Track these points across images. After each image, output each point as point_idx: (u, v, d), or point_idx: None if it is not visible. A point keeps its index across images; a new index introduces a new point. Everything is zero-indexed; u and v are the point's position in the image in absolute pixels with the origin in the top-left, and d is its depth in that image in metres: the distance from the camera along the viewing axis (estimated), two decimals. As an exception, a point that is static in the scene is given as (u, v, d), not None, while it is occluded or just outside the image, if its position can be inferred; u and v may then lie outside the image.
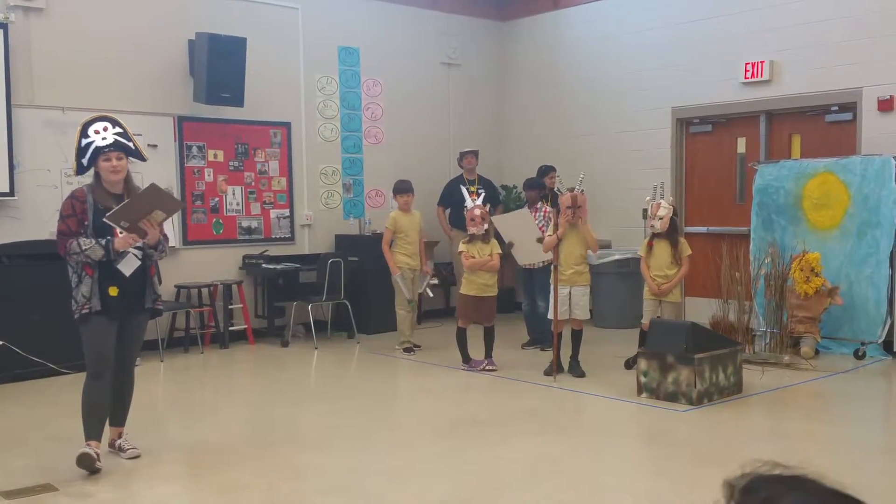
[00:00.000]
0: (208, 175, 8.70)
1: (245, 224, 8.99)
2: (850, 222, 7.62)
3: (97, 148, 4.53)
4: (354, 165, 9.86)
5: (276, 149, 9.19)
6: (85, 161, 4.57)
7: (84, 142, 4.56)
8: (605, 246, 9.42)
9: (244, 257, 8.88)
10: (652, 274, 6.93)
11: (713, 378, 5.93)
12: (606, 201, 9.57)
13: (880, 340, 7.40)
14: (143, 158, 4.79)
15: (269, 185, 9.15)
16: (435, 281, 8.21)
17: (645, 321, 6.88)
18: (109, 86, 7.92)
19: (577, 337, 6.96)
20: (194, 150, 8.59)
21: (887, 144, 7.65)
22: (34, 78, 7.57)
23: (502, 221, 7.53)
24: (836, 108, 8.22)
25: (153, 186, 4.56)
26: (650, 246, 6.99)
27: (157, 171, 8.15)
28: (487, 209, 7.28)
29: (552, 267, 6.85)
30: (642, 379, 6.08)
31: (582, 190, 6.87)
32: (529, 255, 7.39)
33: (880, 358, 7.35)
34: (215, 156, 8.74)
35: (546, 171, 8.65)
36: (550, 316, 6.95)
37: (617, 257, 9.21)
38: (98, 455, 4.52)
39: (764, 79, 8.55)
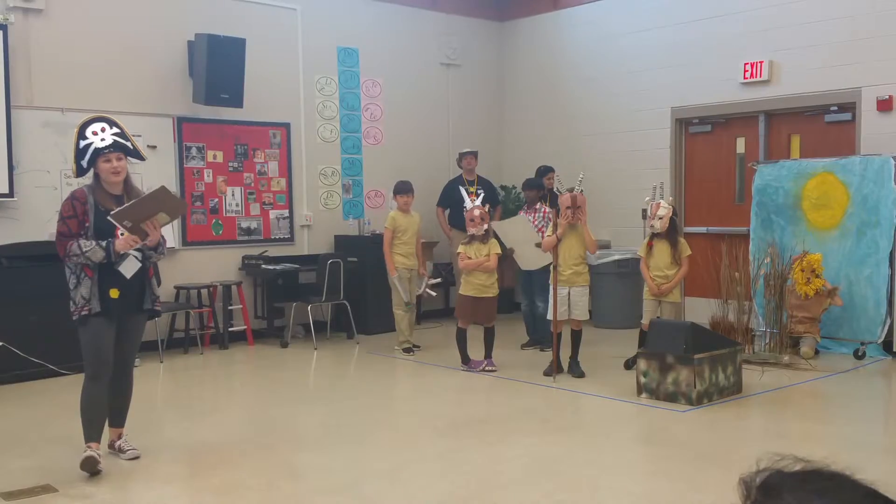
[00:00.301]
0: (208, 176, 8.70)
1: (244, 225, 8.99)
2: (849, 222, 7.62)
3: (96, 149, 4.51)
4: (354, 166, 9.86)
5: (275, 149, 9.19)
6: (84, 163, 4.55)
7: (82, 143, 4.54)
8: (605, 246, 9.42)
9: (244, 258, 8.88)
10: (652, 274, 6.94)
11: (713, 378, 5.93)
12: (606, 201, 9.58)
13: (880, 340, 7.40)
14: (141, 158, 4.78)
15: (268, 185, 9.15)
16: (437, 280, 8.20)
17: (645, 321, 6.88)
18: (109, 87, 7.91)
19: (576, 337, 6.96)
20: (194, 150, 8.59)
21: (886, 144, 7.65)
22: (33, 79, 7.57)
23: (501, 228, 7.53)
24: (835, 108, 8.22)
25: (163, 189, 4.56)
26: (650, 246, 6.99)
27: (157, 171, 8.16)
28: (487, 210, 7.28)
29: (551, 267, 6.85)
30: (642, 379, 6.08)
31: (581, 190, 6.87)
32: (531, 260, 7.39)
33: (880, 358, 7.35)
34: (214, 157, 8.74)
35: (544, 171, 8.65)
36: (550, 316, 6.95)
37: (616, 257, 9.21)
38: (99, 457, 4.52)
39: (763, 79, 8.55)
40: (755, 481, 1.01)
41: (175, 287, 8.25)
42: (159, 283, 7.78)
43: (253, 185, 9.03)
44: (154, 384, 7.06)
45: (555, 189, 7.36)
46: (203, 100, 8.23)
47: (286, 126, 9.26)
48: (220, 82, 8.20)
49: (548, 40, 10.58)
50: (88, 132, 4.55)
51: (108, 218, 4.40)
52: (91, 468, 4.44)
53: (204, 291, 8.45)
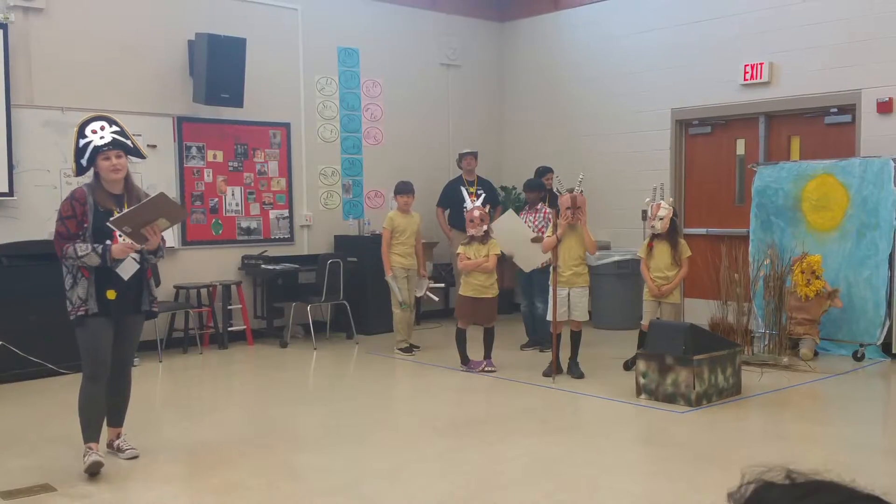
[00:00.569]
0: (207, 175, 8.70)
1: (244, 224, 8.99)
2: (849, 224, 7.63)
3: (95, 147, 4.48)
4: (354, 166, 9.86)
5: (275, 149, 9.19)
6: (84, 161, 4.51)
7: (82, 142, 4.50)
8: (605, 247, 9.42)
9: (243, 258, 8.88)
10: (652, 275, 6.94)
11: (712, 379, 5.93)
12: (606, 202, 9.58)
13: (879, 342, 7.41)
14: (141, 156, 4.75)
15: (268, 185, 9.15)
16: (440, 285, 8.19)
17: (645, 322, 6.88)
18: (109, 86, 7.91)
19: (575, 338, 6.96)
20: (194, 150, 8.59)
21: (886, 146, 7.66)
22: (33, 78, 7.57)
23: (495, 235, 7.52)
24: (835, 109, 8.22)
25: (162, 196, 4.50)
26: (650, 247, 7.00)
27: (157, 171, 8.17)
28: (487, 210, 7.28)
29: (551, 268, 6.85)
30: (641, 380, 6.08)
31: (581, 191, 6.87)
32: (529, 259, 7.40)
33: (879, 360, 7.35)
34: (214, 156, 8.74)
35: (543, 172, 8.66)
36: (549, 317, 6.95)
37: (616, 258, 9.21)
38: (101, 458, 4.50)
39: (763, 80, 8.56)
40: (743, 497, 0.95)
41: (174, 287, 8.25)
42: (158, 284, 7.85)
43: (253, 184, 9.03)
44: (153, 384, 7.06)
45: (555, 189, 7.36)
46: (203, 99, 8.24)
47: (286, 126, 9.26)
48: (220, 82, 8.20)
49: (548, 41, 10.58)
50: (88, 131, 4.51)
51: (108, 224, 4.37)
52: (96, 471, 4.42)
53: (203, 291, 8.45)
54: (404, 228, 8.07)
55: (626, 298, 9.12)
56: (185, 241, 8.54)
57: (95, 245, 4.39)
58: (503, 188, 10.44)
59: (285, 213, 9.28)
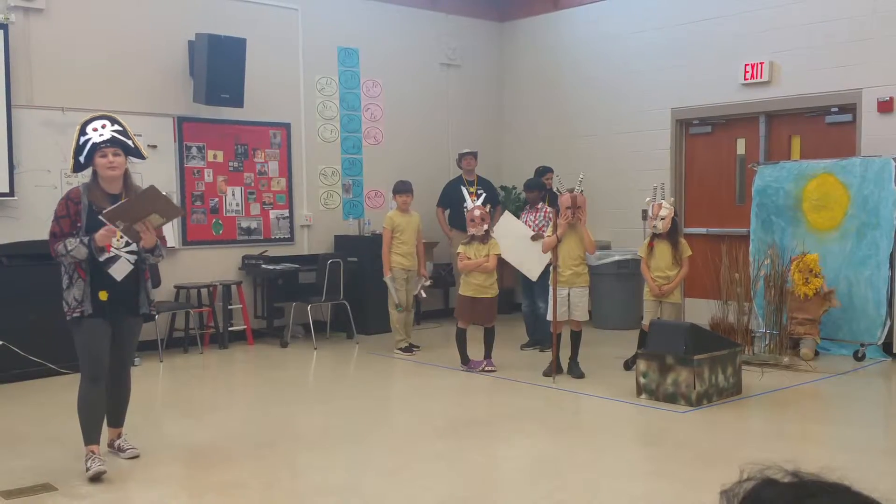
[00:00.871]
0: (208, 175, 8.70)
1: (244, 224, 8.99)
2: (849, 224, 7.62)
3: (94, 144, 4.44)
4: (354, 166, 9.86)
5: (275, 149, 9.19)
6: (82, 158, 4.48)
7: (82, 139, 4.48)
8: (605, 247, 9.42)
9: (244, 258, 8.88)
10: (653, 275, 6.93)
11: (712, 379, 5.92)
12: (606, 202, 9.58)
13: (880, 342, 7.40)
14: (142, 157, 4.69)
15: (268, 185, 9.15)
16: (428, 283, 8.19)
17: (645, 322, 6.88)
18: (109, 86, 7.91)
19: (576, 338, 6.96)
20: (194, 150, 8.59)
21: (887, 146, 7.65)
22: (34, 78, 7.57)
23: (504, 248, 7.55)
24: (835, 109, 8.22)
25: (152, 188, 4.46)
26: (651, 247, 6.99)
27: (157, 171, 8.16)
28: (487, 210, 7.28)
29: (551, 268, 6.85)
30: (641, 380, 6.08)
31: (581, 190, 6.87)
32: (533, 263, 7.39)
33: (880, 359, 7.34)
34: (215, 156, 8.74)
35: (543, 171, 8.66)
36: (550, 317, 6.95)
37: (616, 258, 9.21)
38: (103, 461, 4.48)
39: (763, 80, 8.55)
40: (739, 495, 0.92)
41: (175, 286, 8.25)
42: (158, 284, 7.86)
43: (253, 184, 9.03)
44: (154, 383, 7.06)
45: (555, 189, 7.36)
46: (203, 99, 8.24)
47: (286, 126, 9.26)
48: (220, 82, 8.20)
49: (548, 41, 10.58)
50: (89, 129, 4.49)
51: (100, 217, 4.31)
52: (98, 479, 4.39)
53: (204, 291, 8.45)
54: (404, 228, 8.07)
55: (626, 298, 9.12)
56: (186, 241, 8.54)
57: (83, 237, 4.35)
58: (503, 188, 10.44)
59: (285, 213, 9.28)
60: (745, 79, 8.68)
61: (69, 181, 7.27)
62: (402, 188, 8.18)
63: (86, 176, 4.67)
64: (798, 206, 7.93)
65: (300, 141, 9.38)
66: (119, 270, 4.46)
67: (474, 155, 9.58)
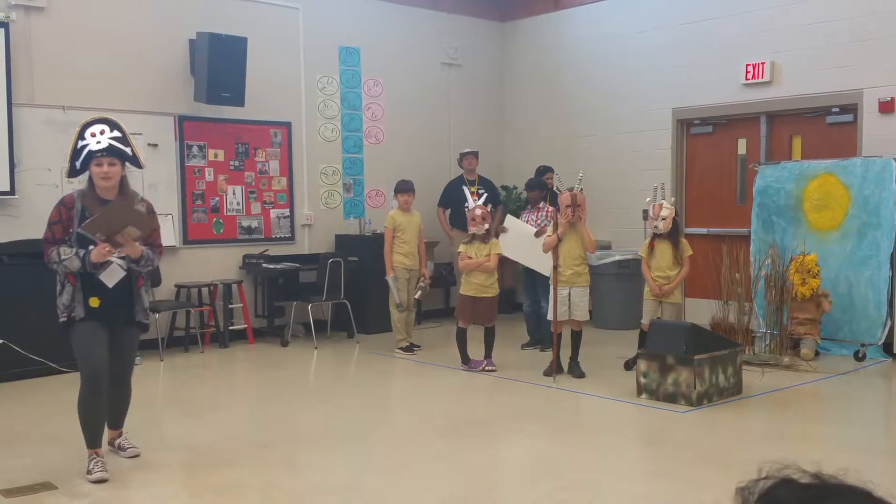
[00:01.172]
0: (209, 174, 8.70)
1: (245, 224, 8.99)
2: (850, 224, 7.62)
3: (91, 152, 4.38)
4: (355, 165, 9.86)
5: (276, 148, 9.19)
6: (78, 164, 4.43)
7: (80, 144, 4.43)
8: (605, 247, 9.42)
9: (244, 257, 8.88)
10: (653, 275, 6.93)
11: (713, 379, 5.92)
12: (607, 202, 9.58)
13: (880, 342, 7.40)
14: (139, 166, 4.63)
15: (269, 184, 9.15)
16: (424, 283, 8.18)
17: (645, 321, 6.88)
18: (110, 85, 7.91)
19: (576, 338, 6.96)
20: (195, 149, 8.59)
21: (888, 146, 7.65)
22: (35, 77, 7.57)
23: (506, 250, 7.54)
24: (836, 109, 8.22)
25: (117, 202, 4.36)
26: (651, 246, 7.00)
27: (158, 170, 8.17)
28: (489, 210, 7.29)
29: (552, 267, 6.85)
30: (642, 380, 6.08)
31: (581, 189, 6.87)
32: (542, 259, 7.39)
33: (880, 360, 7.34)
34: (216, 155, 8.74)
35: (544, 171, 8.65)
36: (550, 317, 6.95)
37: (617, 258, 9.21)
38: (105, 466, 4.46)
39: (764, 80, 8.55)
40: (755, 493, 0.92)
41: (175, 285, 8.25)
42: (159, 283, 7.86)
43: (254, 183, 9.03)
44: (154, 383, 7.06)
45: (555, 188, 7.36)
46: (204, 98, 8.23)
47: (287, 125, 9.26)
48: (221, 81, 8.20)
49: (549, 40, 10.58)
50: (87, 133, 4.43)
51: (79, 230, 4.28)
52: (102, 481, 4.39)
53: (205, 290, 8.45)
54: (406, 227, 8.07)
55: (627, 298, 9.11)
56: (187, 240, 8.54)
57: (78, 249, 4.32)
58: (504, 187, 10.43)
59: (286, 212, 9.28)
60: (747, 79, 8.68)
61: (70, 180, 7.25)
62: (404, 187, 8.18)
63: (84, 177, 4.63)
64: (799, 207, 7.93)
65: (301, 140, 9.38)
66: (110, 277, 4.41)
67: (475, 154, 9.58)
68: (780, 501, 0.89)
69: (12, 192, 7.34)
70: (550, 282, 6.88)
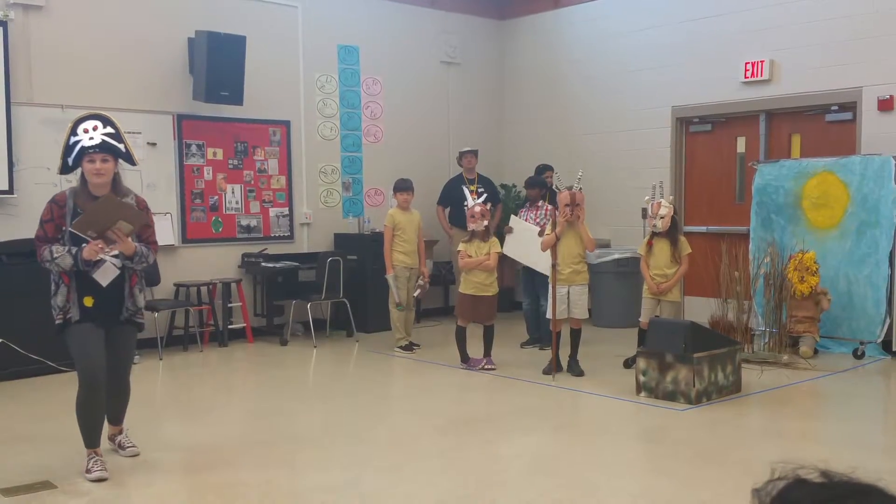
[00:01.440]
0: (207, 173, 8.70)
1: (244, 222, 8.99)
2: (849, 222, 7.62)
3: (83, 148, 4.33)
4: (354, 164, 9.86)
5: (275, 147, 9.19)
6: (70, 160, 4.39)
7: (72, 140, 4.37)
8: (604, 245, 9.42)
9: (243, 256, 8.88)
10: (651, 273, 6.94)
11: (712, 377, 5.92)
12: (606, 200, 9.58)
13: (879, 340, 7.41)
14: (132, 163, 4.57)
15: (268, 183, 9.15)
16: (422, 282, 8.17)
17: (643, 319, 6.88)
18: (109, 84, 7.91)
19: (575, 336, 6.96)
20: (193, 148, 8.59)
21: (887, 144, 7.65)
22: (33, 76, 7.56)
23: (510, 250, 7.51)
24: (835, 107, 8.22)
25: (106, 197, 4.33)
26: (650, 245, 7.00)
27: (157, 169, 8.17)
28: (488, 208, 7.28)
29: (551, 266, 6.85)
30: (641, 378, 6.08)
31: (580, 188, 6.87)
32: (541, 258, 7.39)
33: (879, 357, 7.35)
34: (214, 154, 8.74)
35: (543, 170, 8.66)
36: (549, 315, 6.95)
37: (616, 256, 9.21)
38: (105, 466, 4.45)
39: (764, 78, 8.55)
40: (771, 493, 0.91)
41: (175, 284, 8.25)
42: (158, 282, 7.85)
43: (253, 182, 9.03)
44: (153, 382, 7.06)
45: (554, 187, 7.36)
46: (203, 97, 8.23)
47: (286, 124, 9.26)
48: (220, 79, 8.19)
49: (548, 39, 10.58)
50: (80, 129, 4.37)
51: (70, 229, 4.25)
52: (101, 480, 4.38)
53: (203, 289, 8.45)
54: (405, 226, 8.07)
55: (626, 296, 9.10)
56: (185, 239, 8.53)
57: (70, 247, 4.29)
58: (503, 186, 10.43)
59: (285, 210, 9.28)
60: (746, 77, 8.68)
61: (69, 179, 7.26)
62: (403, 186, 8.17)
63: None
64: (798, 205, 7.93)
65: (300, 139, 9.37)
66: (104, 275, 4.37)
67: (475, 153, 9.57)
68: (796, 502, 0.88)
69: (11, 191, 7.34)
70: (549, 280, 6.88)
